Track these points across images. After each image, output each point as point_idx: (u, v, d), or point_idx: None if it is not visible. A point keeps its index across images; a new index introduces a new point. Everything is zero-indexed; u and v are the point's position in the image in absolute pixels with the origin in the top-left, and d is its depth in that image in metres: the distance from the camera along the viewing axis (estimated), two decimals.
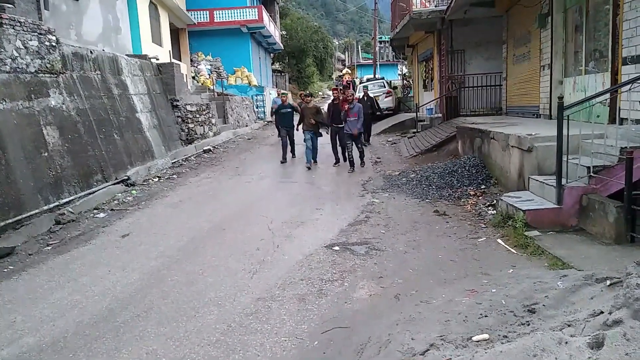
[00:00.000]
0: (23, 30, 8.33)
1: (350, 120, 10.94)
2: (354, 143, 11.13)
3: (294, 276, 5.13)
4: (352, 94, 11.12)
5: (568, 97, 8.79)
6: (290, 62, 44.75)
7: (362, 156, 11.47)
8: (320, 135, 12.10)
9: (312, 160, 11.96)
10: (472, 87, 14.84)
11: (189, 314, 4.39)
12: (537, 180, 6.35)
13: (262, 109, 26.46)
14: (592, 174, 5.57)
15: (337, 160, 12.05)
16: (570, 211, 5.66)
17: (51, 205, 7.81)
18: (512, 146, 7.30)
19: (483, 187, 8.09)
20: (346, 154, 11.21)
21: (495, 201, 7.03)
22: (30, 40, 8.42)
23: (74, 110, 9.34)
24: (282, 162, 12.46)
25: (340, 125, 11.40)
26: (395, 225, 6.77)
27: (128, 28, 15.58)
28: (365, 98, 15.53)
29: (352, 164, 11.09)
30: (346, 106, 10.97)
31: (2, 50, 7.68)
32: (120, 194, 9.59)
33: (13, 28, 8.09)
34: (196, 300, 4.66)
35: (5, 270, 5.90)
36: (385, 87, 23.43)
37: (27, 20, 8.55)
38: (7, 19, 8.01)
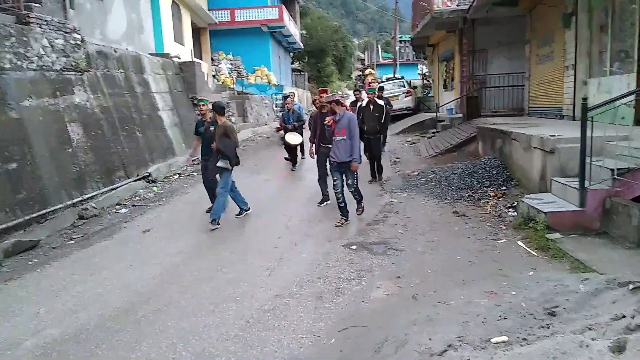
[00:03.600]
0: (49, 29, 8.52)
1: (335, 141, 6.85)
2: (344, 177, 6.99)
3: (311, 274, 5.16)
4: (337, 99, 6.96)
5: (592, 98, 8.62)
6: (309, 61, 44.82)
7: (357, 196, 7.25)
8: (223, 169, 7.08)
9: (243, 211, 7.65)
10: (494, 87, 14.68)
11: (207, 309, 4.45)
12: (560, 182, 6.26)
13: (281, 108, 26.59)
14: (616, 176, 5.46)
15: (325, 197, 8.08)
16: (593, 214, 5.56)
17: (75, 200, 7.98)
18: (534, 147, 7.20)
19: (504, 188, 8.00)
20: (337, 192, 6.96)
21: (516, 203, 6.94)
22: (56, 38, 8.61)
23: (98, 108, 9.52)
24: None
25: (330, 146, 7.34)
26: (413, 226, 6.74)
27: (151, 27, 15.80)
28: (372, 107, 9.66)
29: (343, 210, 6.98)
30: (327, 119, 7.06)
31: (29, 48, 7.87)
32: (141, 190, 9.74)
33: (40, 27, 8.29)
34: (215, 296, 4.72)
35: (30, 263, 6.06)
36: (405, 86, 23.29)
37: (53, 19, 8.75)
38: (34, 17, 8.20)
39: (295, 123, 11.86)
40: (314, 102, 9.55)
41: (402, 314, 4.06)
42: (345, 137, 6.73)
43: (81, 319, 4.39)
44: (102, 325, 4.24)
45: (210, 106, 7.49)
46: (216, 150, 7.09)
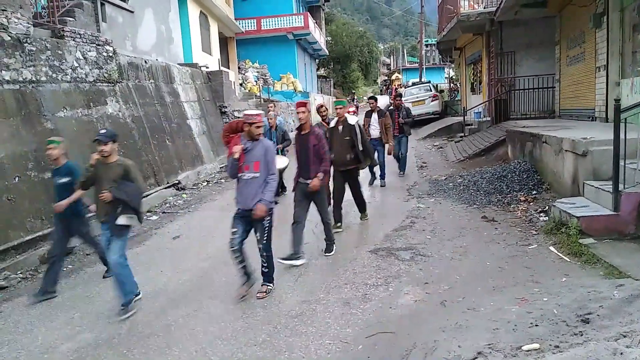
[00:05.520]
0: (83, 42, 8.81)
1: (243, 179, 4.79)
2: (250, 231, 4.92)
3: (338, 280, 5.16)
4: (257, 117, 4.73)
5: (625, 100, 8.40)
6: (335, 67, 45.00)
7: (265, 262, 4.92)
8: (126, 228, 4.83)
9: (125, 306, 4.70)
10: (523, 90, 14.41)
11: (236, 314, 4.50)
12: (593, 186, 6.10)
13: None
14: None
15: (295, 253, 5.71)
16: (627, 218, 5.40)
17: None
18: (565, 150, 7.04)
19: (534, 192, 7.84)
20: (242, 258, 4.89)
21: (547, 207, 6.80)
22: (89, 51, 8.89)
23: (129, 118, 9.77)
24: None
25: (305, 181, 5.82)
26: (441, 231, 6.67)
27: (180, 38, 16.14)
28: (341, 127, 6.91)
29: (264, 275, 4.96)
30: (235, 149, 4.71)
31: (63, 61, 8.15)
32: (171, 198, 9.93)
33: (74, 40, 8.57)
34: (243, 301, 4.76)
35: (65, 269, 6.22)
36: (431, 90, 23.15)
37: (86, 32, 9.04)
38: (68, 31, 8.50)
39: (279, 145, 9.16)
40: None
41: (430, 321, 4.02)
42: (257, 174, 4.70)
43: (114, 324, 4.50)
44: (134, 330, 4.33)
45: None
46: (113, 201, 4.66)
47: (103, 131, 4.81)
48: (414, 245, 6.15)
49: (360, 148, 6.86)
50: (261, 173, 4.71)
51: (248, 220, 4.79)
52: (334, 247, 6.12)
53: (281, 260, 5.49)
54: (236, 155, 4.66)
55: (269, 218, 4.82)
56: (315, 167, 5.74)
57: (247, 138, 4.73)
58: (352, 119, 7.02)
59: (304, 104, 5.83)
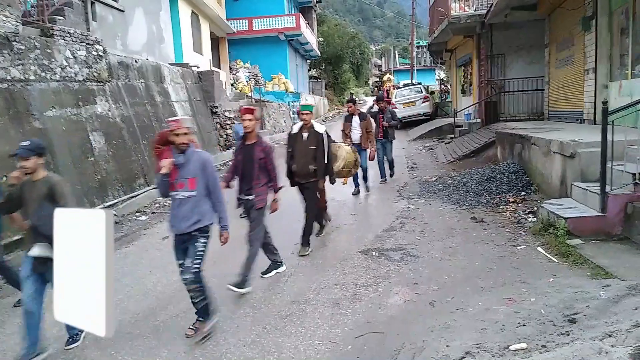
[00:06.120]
0: (72, 41, 8.74)
1: (177, 198, 4.05)
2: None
3: (328, 280, 5.16)
4: (176, 124, 3.94)
5: (613, 102, 8.50)
6: (326, 68, 44.96)
7: (196, 295, 4.01)
8: (46, 261, 3.74)
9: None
10: (513, 92, 14.53)
11: (225, 315, 4.48)
12: (580, 187, 6.16)
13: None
14: (637, 181, 5.37)
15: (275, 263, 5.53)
16: (614, 219, 5.46)
17: (96, 208, 8.14)
18: (554, 152, 7.11)
19: (523, 194, 7.90)
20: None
21: (535, 208, 6.86)
22: (79, 50, 8.82)
23: (119, 117, 9.71)
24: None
25: (246, 197, 5.25)
26: (431, 232, 6.70)
27: (171, 37, 16.07)
28: (305, 134, 6.17)
29: (199, 312, 4.13)
30: (163, 163, 3.94)
31: (52, 60, 8.08)
32: (160, 198, 9.87)
33: (63, 39, 8.51)
34: (232, 302, 4.75)
35: None
36: (422, 92, 23.24)
37: (76, 31, 8.97)
38: (57, 30, 8.43)
39: None
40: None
41: (419, 321, 4.04)
42: (194, 193, 3.98)
43: None
44: (122, 331, 4.29)
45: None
46: (30, 228, 3.95)
47: (25, 143, 3.87)
48: (404, 245, 6.17)
49: (324, 161, 6.09)
50: (198, 191, 3.99)
51: (184, 246, 4.05)
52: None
53: (263, 275, 5.35)
54: (164, 170, 3.89)
55: (204, 241, 4.08)
56: (258, 182, 5.12)
57: (177, 150, 3.99)
58: (320, 127, 6.26)
59: (251, 111, 5.05)
